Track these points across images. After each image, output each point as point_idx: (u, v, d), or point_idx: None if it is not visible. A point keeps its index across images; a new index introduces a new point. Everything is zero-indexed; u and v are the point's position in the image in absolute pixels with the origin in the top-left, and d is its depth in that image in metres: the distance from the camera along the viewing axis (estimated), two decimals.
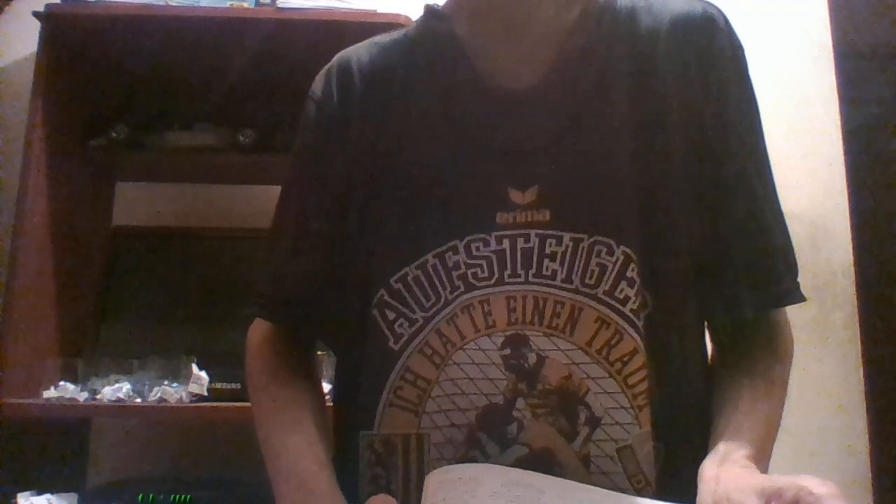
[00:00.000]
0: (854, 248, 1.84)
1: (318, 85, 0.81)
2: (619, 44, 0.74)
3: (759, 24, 1.88)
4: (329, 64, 0.82)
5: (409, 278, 0.70)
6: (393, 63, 0.79)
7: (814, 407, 1.71)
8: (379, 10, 1.49)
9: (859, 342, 1.80)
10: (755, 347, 0.73)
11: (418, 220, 0.72)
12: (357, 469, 0.71)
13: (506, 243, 0.69)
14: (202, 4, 1.51)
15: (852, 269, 1.82)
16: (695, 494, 0.59)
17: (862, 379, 1.77)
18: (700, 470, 0.62)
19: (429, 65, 0.77)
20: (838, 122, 1.89)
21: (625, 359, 0.67)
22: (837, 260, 1.82)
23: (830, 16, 1.95)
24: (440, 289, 0.70)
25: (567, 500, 0.60)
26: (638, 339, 0.67)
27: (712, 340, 0.77)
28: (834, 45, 1.94)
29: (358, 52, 0.81)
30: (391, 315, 0.71)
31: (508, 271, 0.69)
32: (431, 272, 0.70)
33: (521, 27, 0.74)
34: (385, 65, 0.79)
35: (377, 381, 0.70)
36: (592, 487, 0.63)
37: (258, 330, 0.82)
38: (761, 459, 0.65)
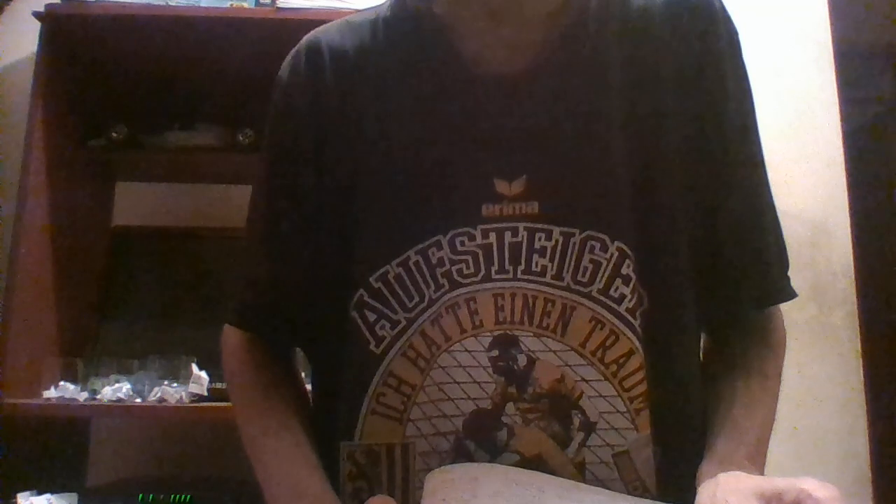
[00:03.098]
0: (854, 248, 1.83)
1: (285, 69, 0.75)
2: (611, 27, 0.70)
3: (759, 23, 1.88)
4: (297, 46, 0.75)
5: (389, 276, 0.66)
6: (368, 45, 0.73)
7: (814, 407, 1.71)
8: None
9: (859, 342, 1.79)
10: (749, 341, 0.72)
11: (398, 214, 0.67)
12: (337, 482, 0.66)
13: (492, 237, 0.65)
14: (202, 4, 1.51)
15: (852, 269, 1.82)
16: (695, 495, 0.59)
17: (862, 379, 1.77)
18: (698, 471, 0.62)
19: (408, 47, 0.72)
20: (838, 122, 1.89)
21: (620, 360, 0.63)
22: (837, 260, 1.82)
23: (830, 16, 1.95)
24: (423, 287, 0.65)
25: (567, 500, 0.59)
26: (634, 339, 0.64)
27: (705, 335, 0.75)
28: (834, 45, 1.93)
29: (328, 33, 0.75)
30: (371, 316, 0.66)
31: (495, 267, 0.65)
32: (414, 269, 0.66)
33: (506, 7, 0.69)
34: (359, 47, 0.73)
35: (358, 388, 0.66)
36: (593, 487, 0.63)
37: (234, 334, 0.78)
38: (759, 457, 0.64)
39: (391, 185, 0.68)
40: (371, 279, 0.67)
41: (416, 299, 0.66)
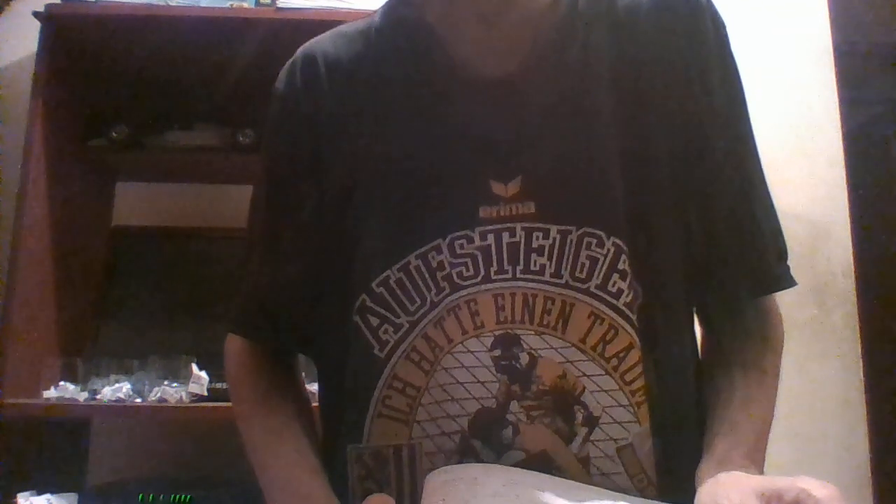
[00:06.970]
0: (854, 248, 1.83)
1: (281, 80, 0.76)
2: (598, 25, 0.71)
3: (760, 24, 1.88)
4: (292, 58, 0.77)
5: (391, 281, 0.67)
6: (361, 54, 0.74)
7: (814, 407, 1.71)
8: None
9: (859, 342, 1.80)
10: (746, 336, 0.72)
11: (397, 220, 0.68)
12: (346, 484, 0.67)
13: (490, 238, 0.66)
14: (202, 4, 1.51)
15: (852, 269, 1.82)
16: (694, 493, 0.59)
17: (862, 379, 1.77)
18: (698, 471, 0.62)
19: (401, 55, 0.73)
20: (838, 122, 1.89)
21: (621, 354, 0.64)
22: (837, 260, 1.82)
23: (830, 16, 1.95)
24: (424, 291, 0.66)
25: (567, 500, 0.59)
26: (633, 333, 0.64)
27: (703, 330, 0.75)
28: (834, 45, 1.94)
29: (322, 43, 0.76)
30: (374, 321, 0.67)
31: (495, 268, 0.65)
32: (415, 274, 0.67)
33: (495, 11, 0.70)
34: (353, 56, 0.74)
35: (363, 391, 0.67)
36: (593, 487, 0.63)
37: (236, 340, 0.79)
38: (757, 455, 0.65)
39: (389, 191, 0.69)
40: (373, 284, 0.67)
41: (418, 303, 0.67)
